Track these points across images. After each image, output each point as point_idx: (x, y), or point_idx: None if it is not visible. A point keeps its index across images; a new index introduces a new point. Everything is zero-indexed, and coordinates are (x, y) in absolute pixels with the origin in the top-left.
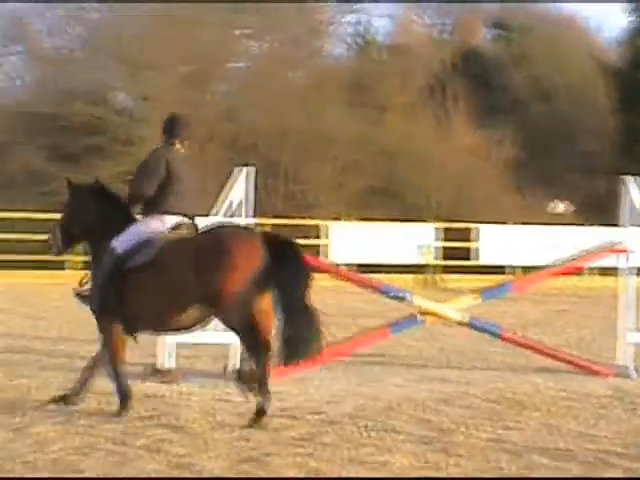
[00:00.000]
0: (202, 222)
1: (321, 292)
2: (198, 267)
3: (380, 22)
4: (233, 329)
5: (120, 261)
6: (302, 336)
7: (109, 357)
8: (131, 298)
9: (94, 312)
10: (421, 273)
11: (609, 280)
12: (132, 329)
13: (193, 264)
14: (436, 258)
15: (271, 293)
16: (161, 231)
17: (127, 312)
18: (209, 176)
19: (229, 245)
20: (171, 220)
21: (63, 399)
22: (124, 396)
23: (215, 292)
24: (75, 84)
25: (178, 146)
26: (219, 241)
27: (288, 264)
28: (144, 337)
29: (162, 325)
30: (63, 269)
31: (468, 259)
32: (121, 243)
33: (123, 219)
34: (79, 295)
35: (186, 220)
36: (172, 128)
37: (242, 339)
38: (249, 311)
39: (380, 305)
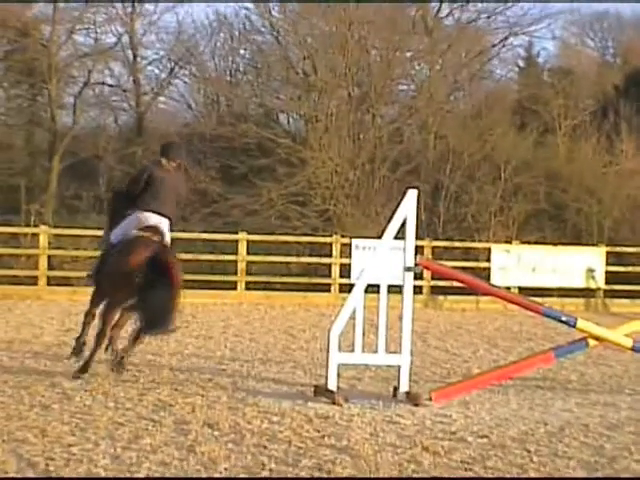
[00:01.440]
0: (369, 242)
1: (487, 314)
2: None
3: (545, 44)
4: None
5: (109, 247)
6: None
7: (86, 310)
8: (104, 274)
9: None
10: (590, 297)
11: None
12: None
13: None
14: (604, 282)
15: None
16: (137, 227)
17: (103, 285)
18: (376, 196)
19: (134, 248)
20: (149, 219)
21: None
22: (79, 345)
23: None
24: (243, 106)
25: (165, 163)
26: (131, 243)
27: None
28: (312, 358)
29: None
30: (235, 289)
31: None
32: (115, 235)
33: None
34: (88, 276)
35: (162, 221)
36: (163, 150)
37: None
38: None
39: (546, 328)
